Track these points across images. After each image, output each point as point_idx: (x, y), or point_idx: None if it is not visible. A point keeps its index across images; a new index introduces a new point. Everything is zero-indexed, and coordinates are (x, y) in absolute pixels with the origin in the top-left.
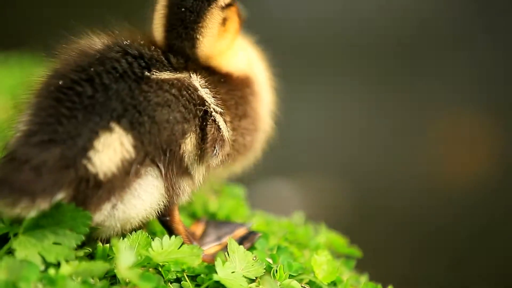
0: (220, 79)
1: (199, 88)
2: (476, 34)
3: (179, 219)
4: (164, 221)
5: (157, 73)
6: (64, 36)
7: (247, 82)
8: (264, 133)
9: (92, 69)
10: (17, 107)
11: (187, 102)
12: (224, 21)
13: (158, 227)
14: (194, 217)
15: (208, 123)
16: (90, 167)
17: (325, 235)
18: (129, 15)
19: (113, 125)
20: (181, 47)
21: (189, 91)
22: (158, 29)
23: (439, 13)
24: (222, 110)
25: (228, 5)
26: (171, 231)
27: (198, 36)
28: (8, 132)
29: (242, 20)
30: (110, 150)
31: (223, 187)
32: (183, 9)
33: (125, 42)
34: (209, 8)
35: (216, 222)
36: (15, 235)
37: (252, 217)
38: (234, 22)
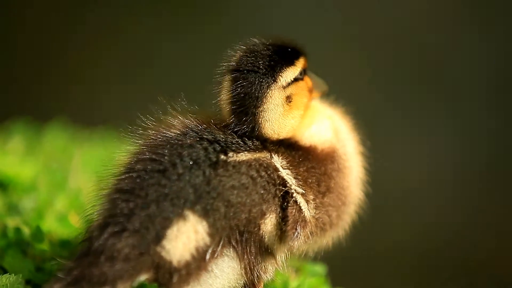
0: (301, 156)
1: (280, 169)
2: None
3: None
4: None
5: (234, 155)
6: (144, 117)
7: (331, 156)
8: (353, 206)
9: (166, 158)
10: (99, 188)
11: (266, 183)
12: (289, 98)
13: None
14: None
15: (289, 204)
16: (164, 254)
17: None
18: (204, 99)
19: (187, 213)
20: (247, 131)
21: (269, 171)
22: (226, 114)
23: None
24: (303, 191)
25: (293, 81)
26: None
27: (260, 121)
28: (90, 215)
29: (319, 91)
30: (184, 238)
31: (303, 265)
32: (242, 95)
33: (200, 127)
34: (268, 91)
35: None
36: None
37: None
38: (302, 96)
